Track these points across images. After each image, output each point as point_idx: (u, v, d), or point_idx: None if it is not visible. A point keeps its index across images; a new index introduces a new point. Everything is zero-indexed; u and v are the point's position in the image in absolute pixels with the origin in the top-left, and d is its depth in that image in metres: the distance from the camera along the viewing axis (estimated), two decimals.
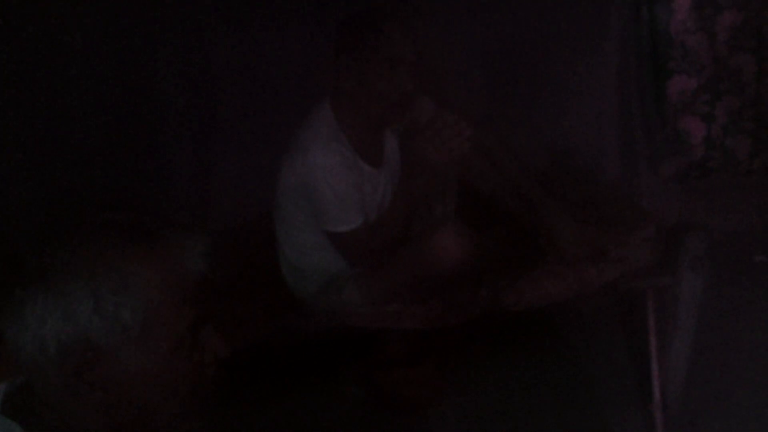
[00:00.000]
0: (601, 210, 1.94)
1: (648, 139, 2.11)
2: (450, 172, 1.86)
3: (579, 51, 2.14)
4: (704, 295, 1.77)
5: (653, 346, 1.89)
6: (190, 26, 2.11)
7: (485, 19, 2.14)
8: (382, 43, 1.63)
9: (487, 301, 1.72)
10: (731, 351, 2.11)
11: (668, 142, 2.77)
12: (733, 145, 2.87)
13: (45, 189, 1.89)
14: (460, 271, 1.66)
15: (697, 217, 2.58)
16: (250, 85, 2.20)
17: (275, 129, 1.82)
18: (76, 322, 0.72)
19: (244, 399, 1.84)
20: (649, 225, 1.81)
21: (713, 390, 1.95)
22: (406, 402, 1.93)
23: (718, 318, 2.14)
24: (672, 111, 2.74)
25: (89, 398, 0.74)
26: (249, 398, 1.87)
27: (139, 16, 2.02)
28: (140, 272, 0.74)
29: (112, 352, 0.74)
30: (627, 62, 2.11)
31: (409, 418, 1.95)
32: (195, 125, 2.23)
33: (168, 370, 0.76)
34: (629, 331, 2.15)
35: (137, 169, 2.14)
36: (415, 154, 1.63)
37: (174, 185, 2.24)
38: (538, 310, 1.75)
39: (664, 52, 2.70)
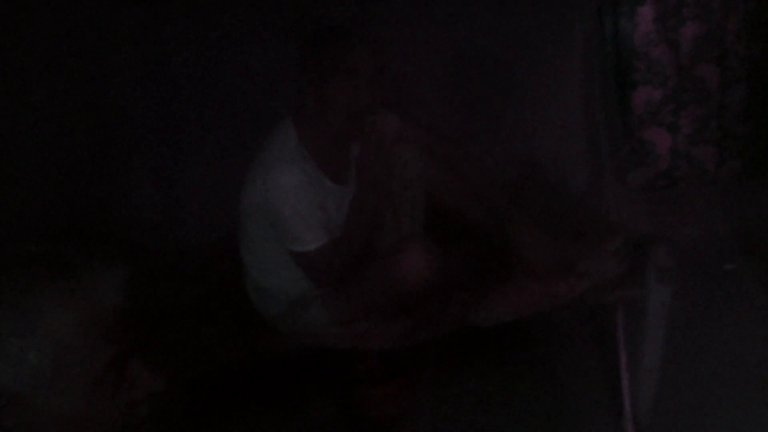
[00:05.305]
0: (569, 223, 1.94)
1: (614, 150, 2.12)
2: (417, 187, 1.85)
3: (543, 63, 2.14)
4: (673, 306, 1.77)
5: (623, 358, 1.89)
6: (154, 43, 2.08)
7: (449, 33, 2.14)
8: (341, 57, 1.63)
9: (456, 317, 1.71)
10: (702, 361, 2.12)
11: (634, 152, 2.79)
12: (698, 155, 2.91)
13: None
14: (428, 288, 1.65)
15: (665, 226, 2.59)
16: (215, 102, 2.17)
17: (241, 146, 1.79)
18: None
19: (211, 423, 1.81)
20: (616, 237, 1.81)
21: (684, 401, 1.95)
22: (377, 420, 1.91)
23: (689, 328, 2.15)
24: (637, 122, 2.76)
25: None
26: (216, 422, 1.83)
27: (102, 33, 1.98)
28: (47, 311, 0.70)
29: (26, 397, 0.69)
30: (591, 74, 2.11)
31: None
32: (159, 143, 2.20)
33: (91, 411, 0.72)
34: (600, 344, 2.16)
35: (100, 189, 2.10)
36: (367, 170, 1.64)
37: (138, 204, 2.19)
38: (508, 324, 1.74)
39: (628, 63, 2.73)
